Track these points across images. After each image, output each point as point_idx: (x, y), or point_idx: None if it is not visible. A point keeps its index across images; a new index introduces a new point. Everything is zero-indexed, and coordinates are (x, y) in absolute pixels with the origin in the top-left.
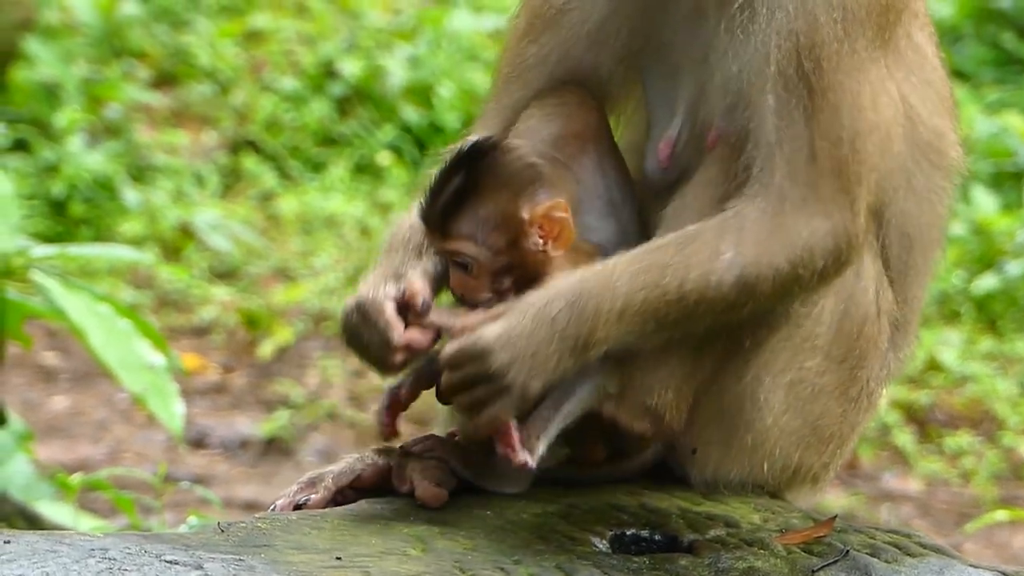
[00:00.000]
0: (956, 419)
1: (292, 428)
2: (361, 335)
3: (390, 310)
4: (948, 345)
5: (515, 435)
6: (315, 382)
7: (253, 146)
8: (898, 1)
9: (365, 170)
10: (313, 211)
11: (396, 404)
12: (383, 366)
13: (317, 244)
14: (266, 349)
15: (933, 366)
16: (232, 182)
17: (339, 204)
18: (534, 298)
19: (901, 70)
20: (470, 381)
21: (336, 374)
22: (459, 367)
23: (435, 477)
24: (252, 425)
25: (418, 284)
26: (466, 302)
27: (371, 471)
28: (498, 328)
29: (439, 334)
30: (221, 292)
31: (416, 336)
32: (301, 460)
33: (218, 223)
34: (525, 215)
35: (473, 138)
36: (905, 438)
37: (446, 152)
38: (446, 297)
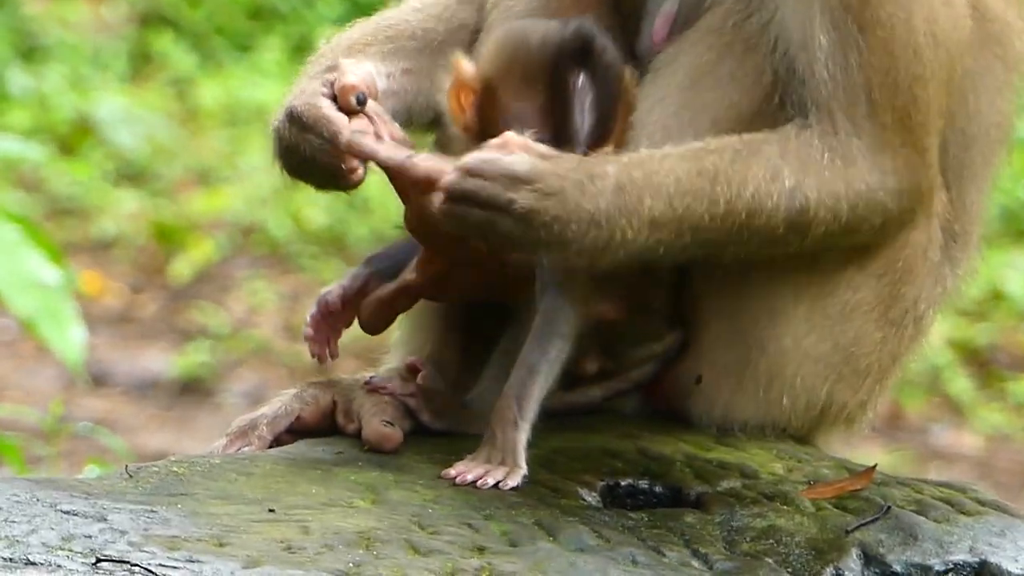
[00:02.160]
0: (1023, 361)
1: (213, 364)
2: (301, 149)
3: (328, 107)
4: (1014, 270)
5: None
6: (241, 309)
7: (167, 21)
8: None
9: (304, 51)
10: (240, 101)
11: (329, 313)
12: (338, 176)
13: (244, 141)
14: (181, 268)
15: (995, 296)
16: (141, 65)
17: (272, 92)
18: (582, 164)
19: None
20: (480, 198)
21: (267, 299)
22: (478, 177)
23: (388, 415)
24: (164, 360)
25: (352, 75)
26: None
27: (312, 410)
28: (541, 167)
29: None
30: (127, 198)
31: (362, 127)
32: (223, 403)
33: (124, 114)
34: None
35: (575, 31)
36: (961, 384)
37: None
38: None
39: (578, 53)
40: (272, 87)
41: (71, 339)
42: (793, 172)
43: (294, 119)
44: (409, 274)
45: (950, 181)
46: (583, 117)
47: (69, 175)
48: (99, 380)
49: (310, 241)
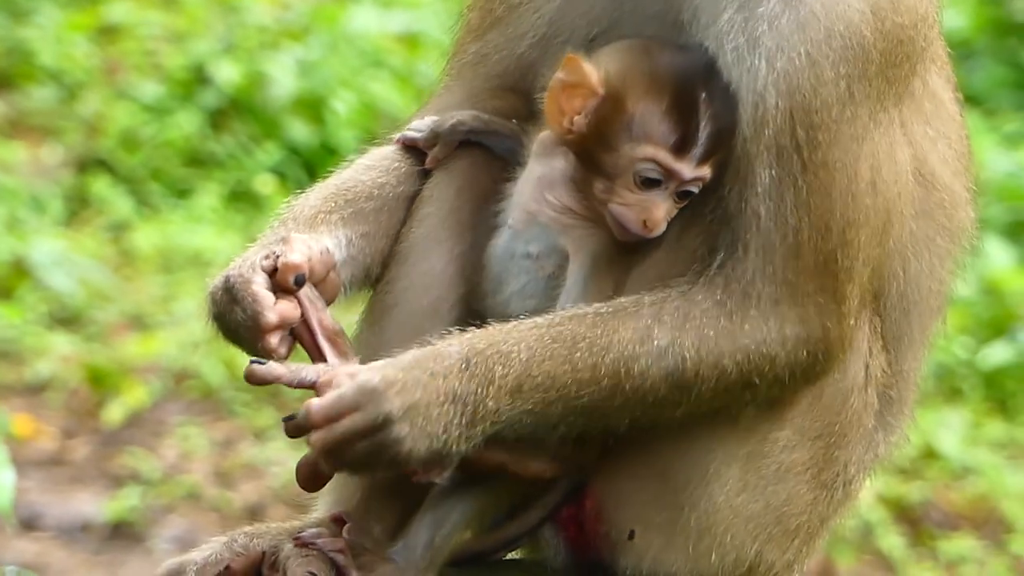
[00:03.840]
0: (955, 519)
1: (144, 509)
2: (227, 319)
3: (258, 283)
4: (948, 429)
5: None
6: (173, 454)
7: (105, 165)
8: (915, 49)
9: (241, 197)
10: (176, 246)
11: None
12: (257, 352)
13: (180, 287)
14: (114, 413)
15: (929, 454)
16: (78, 208)
17: (208, 238)
18: (422, 354)
19: (919, 123)
20: (357, 431)
21: (199, 445)
22: (341, 417)
23: (314, 568)
24: (95, 504)
25: (297, 253)
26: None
27: (242, 561)
28: (388, 371)
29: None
30: (61, 342)
31: (289, 311)
32: (154, 548)
33: (60, 258)
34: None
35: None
36: (893, 541)
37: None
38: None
39: (703, 70)
40: (208, 233)
41: (0, 481)
42: (666, 332)
43: (227, 288)
44: None
45: (889, 345)
46: (704, 126)
47: (4, 318)
48: (29, 523)
49: (243, 388)
